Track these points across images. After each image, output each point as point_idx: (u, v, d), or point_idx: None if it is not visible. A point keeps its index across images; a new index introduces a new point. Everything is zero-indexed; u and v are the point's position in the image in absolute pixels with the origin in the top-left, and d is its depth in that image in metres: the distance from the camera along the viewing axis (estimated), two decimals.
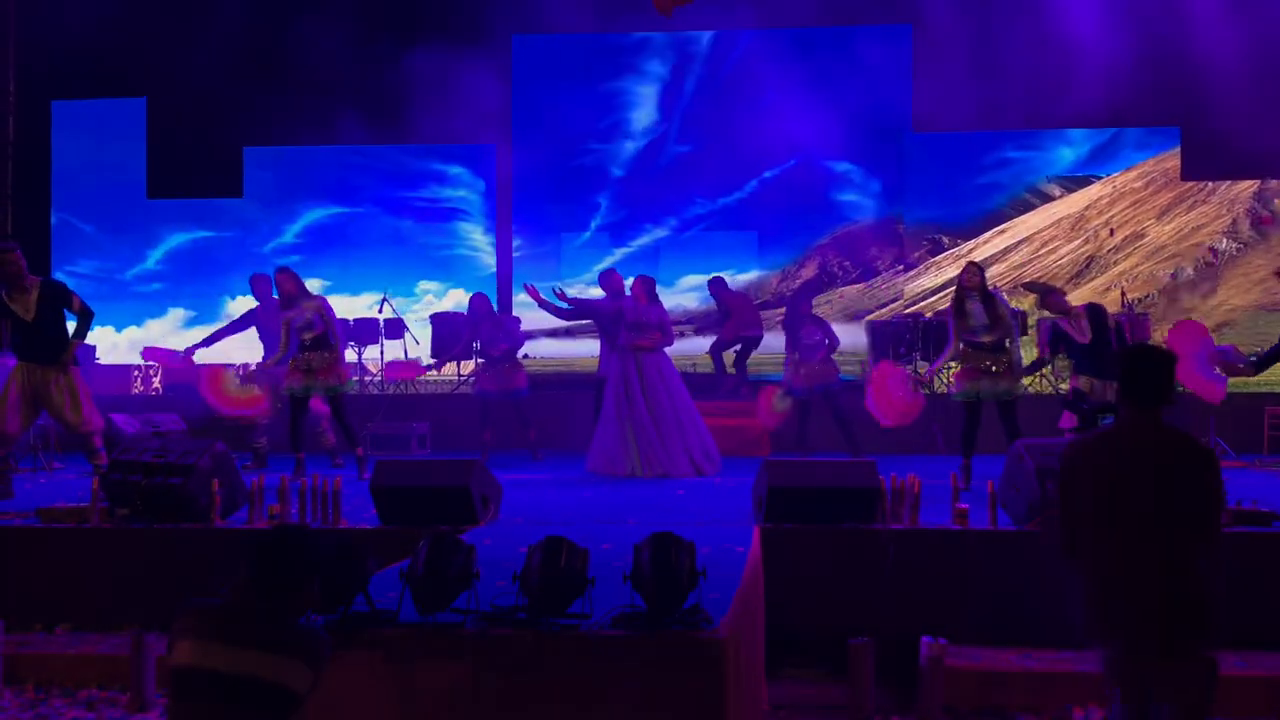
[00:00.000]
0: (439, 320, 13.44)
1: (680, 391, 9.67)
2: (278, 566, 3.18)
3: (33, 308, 8.24)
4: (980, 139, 14.33)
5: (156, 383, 14.58)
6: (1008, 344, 8.80)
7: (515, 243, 14.94)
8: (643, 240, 14.78)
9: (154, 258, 15.53)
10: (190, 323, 15.32)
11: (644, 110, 14.78)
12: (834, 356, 10.94)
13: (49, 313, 8.31)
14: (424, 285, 15.16)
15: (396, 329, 13.49)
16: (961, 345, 8.95)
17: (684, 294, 14.50)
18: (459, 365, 13.79)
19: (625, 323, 9.72)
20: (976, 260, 9.29)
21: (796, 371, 10.84)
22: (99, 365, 13.80)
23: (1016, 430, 8.59)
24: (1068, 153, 14.54)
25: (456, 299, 14.77)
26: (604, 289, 10.71)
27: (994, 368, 8.83)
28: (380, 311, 13.65)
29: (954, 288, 9.21)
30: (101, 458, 8.17)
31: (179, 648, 3.10)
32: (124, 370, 14.62)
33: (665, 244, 14.79)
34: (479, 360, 11.44)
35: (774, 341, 14.74)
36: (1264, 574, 6.16)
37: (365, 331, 13.26)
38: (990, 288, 9.04)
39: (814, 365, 10.79)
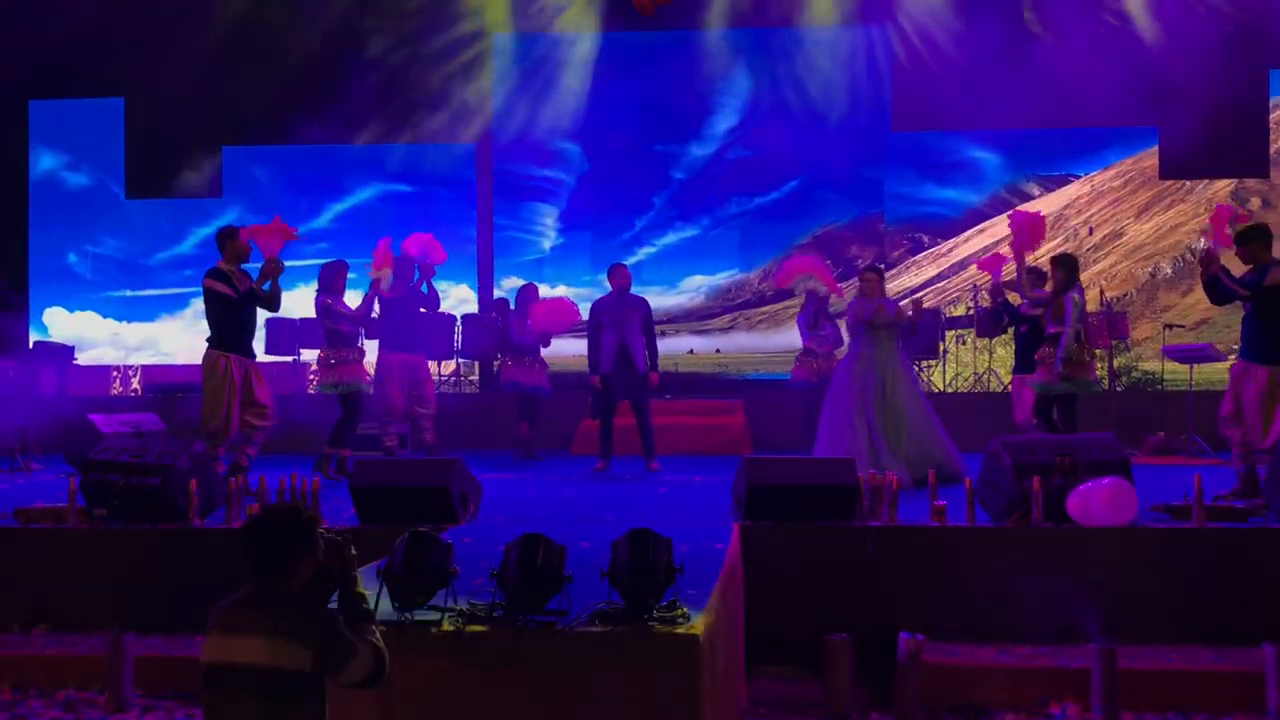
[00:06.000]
0: None
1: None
2: (266, 545, 3.24)
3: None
4: (960, 138, 14.36)
5: (135, 383, 14.49)
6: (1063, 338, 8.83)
7: (558, 240, 14.85)
8: (668, 239, 14.78)
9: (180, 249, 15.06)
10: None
11: (718, 114, 14.67)
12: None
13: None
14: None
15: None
16: None
17: (686, 294, 14.60)
18: (440, 365, 13.69)
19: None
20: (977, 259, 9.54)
21: (806, 365, 10.89)
22: (76, 366, 13.68)
23: (1049, 425, 8.68)
24: (1047, 152, 14.61)
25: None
26: (612, 284, 10.21)
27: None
28: None
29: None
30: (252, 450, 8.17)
31: (204, 646, 3.24)
32: (103, 371, 14.50)
33: (661, 246, 14.80)
34: (502, 356, 11.34)
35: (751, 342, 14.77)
36: (1239, 570, 6.20)
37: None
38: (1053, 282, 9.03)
39: (822, 360, 10.85)
